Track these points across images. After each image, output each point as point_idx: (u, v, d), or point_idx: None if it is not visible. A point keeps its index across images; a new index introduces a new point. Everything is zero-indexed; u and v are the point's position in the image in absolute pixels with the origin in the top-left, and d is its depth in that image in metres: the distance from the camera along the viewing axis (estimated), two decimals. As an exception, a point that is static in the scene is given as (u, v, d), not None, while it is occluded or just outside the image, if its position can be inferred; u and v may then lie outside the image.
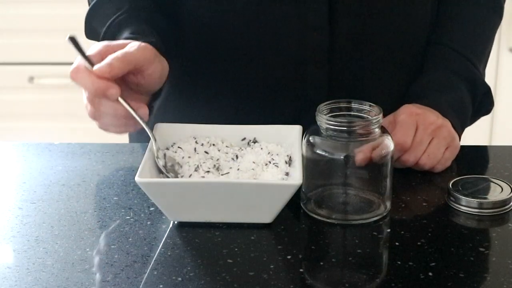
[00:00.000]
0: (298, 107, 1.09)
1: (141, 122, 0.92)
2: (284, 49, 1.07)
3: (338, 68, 1.08)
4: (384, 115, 1.05)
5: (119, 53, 0.90)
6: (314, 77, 1.08)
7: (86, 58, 0.90)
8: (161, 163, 0.93)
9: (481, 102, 1.12)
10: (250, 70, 1.09)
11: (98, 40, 1.02)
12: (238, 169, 0.93)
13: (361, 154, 0.89)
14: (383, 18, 1.08)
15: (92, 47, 0.92)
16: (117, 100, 0.90)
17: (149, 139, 0.94)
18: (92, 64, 0.89)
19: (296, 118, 1.05)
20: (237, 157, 0.95)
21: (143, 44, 0.93)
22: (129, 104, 0.91)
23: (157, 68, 0.94)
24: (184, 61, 1.12)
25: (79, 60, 0.90)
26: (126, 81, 0.93)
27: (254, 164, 0.93)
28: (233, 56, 1.09)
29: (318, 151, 0.90)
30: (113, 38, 0.99)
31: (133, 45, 0.92)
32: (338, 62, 1.08)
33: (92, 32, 1.08)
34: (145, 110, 0.93)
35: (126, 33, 0.99)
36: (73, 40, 0.91)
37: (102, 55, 0.90)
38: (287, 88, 1.09)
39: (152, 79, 0.94)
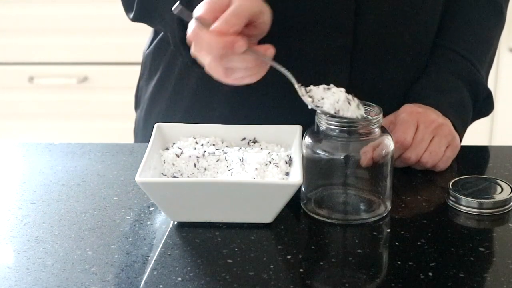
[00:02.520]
0: None
1: (274, 64, 0.90)
2: (307, 49, 1.06)
3: (358, 70, 1.08)
4: None
5: (232, 9, 0.87)
6: (335, 78, 1.07)
7: (200, 21, 0.87)
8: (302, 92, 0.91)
9: (481, 105, 1.12)
10: (270, 68, 1.08)
11: (151, 17, 1.01)
12: (237, 170, 0.93)
13: (365, 155, 0.89)
14: (404, 21, 1.08)
15: (197, 8, 0.88)
16: (245, 51, 0.87)
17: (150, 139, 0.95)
18: (207, 25, 0.86)
19: (314, 119, 1.04)
20: (238, 158, 0.95)
21: None
22: (256, 52, 0.89)
23: (266, 16, 0.91)
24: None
25: (193, 25, 0.87)
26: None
27: (254, 164, 0.93)
28: None
29: (318, 151, 0.90)
30: None
31: None
32: (359, 64, 1.08)
33: (147, 8, 1.04)
34: (272, 50, 0.90)
35: None
36: (181, 9, 0.89)
37: (215, 13, 0.87)
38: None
39: (264, 27, 0.92)
